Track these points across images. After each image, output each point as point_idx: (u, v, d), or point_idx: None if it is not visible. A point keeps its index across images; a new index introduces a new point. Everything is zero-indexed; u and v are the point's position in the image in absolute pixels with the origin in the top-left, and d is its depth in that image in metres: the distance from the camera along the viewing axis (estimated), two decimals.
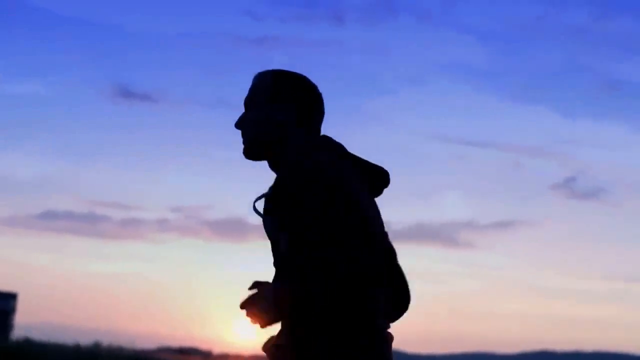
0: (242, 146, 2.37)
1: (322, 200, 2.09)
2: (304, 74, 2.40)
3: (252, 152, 2.35)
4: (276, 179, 2.24)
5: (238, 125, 2.37)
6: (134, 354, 22.61)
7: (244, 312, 2.12)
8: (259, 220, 2.24)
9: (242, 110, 2.40)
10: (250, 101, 2.38)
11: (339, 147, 2.32)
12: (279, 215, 2.15)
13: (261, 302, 2.08)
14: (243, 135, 2.36)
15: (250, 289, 2.12)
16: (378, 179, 2.33)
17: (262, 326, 2.12)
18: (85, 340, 23.03)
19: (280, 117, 2.31)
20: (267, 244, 2.26)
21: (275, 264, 2.25)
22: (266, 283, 2.13)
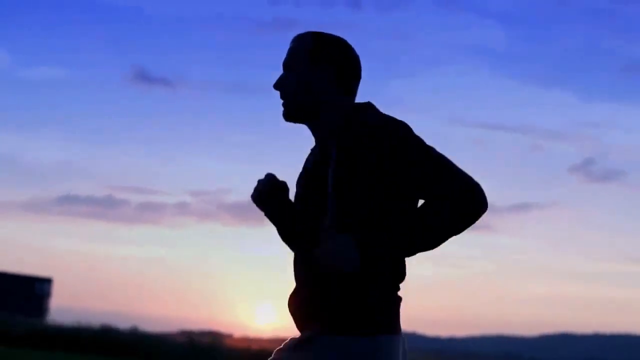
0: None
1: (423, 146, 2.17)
2: None
3: (292, 114, 2.33)
4: (335, 135, 2.26)
5: (277, 86, 2.35)
6: (159, 338, 22.44)
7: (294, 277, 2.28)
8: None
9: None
10: (289, 63, 2.34)
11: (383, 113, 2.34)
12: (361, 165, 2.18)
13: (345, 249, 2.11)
14: (282, 97, 2.34)
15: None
16: None
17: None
18: (104, 322, 22.87)
19: (321, 80, 2.29)
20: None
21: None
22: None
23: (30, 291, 34.75)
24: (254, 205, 2.39)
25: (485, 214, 2.16)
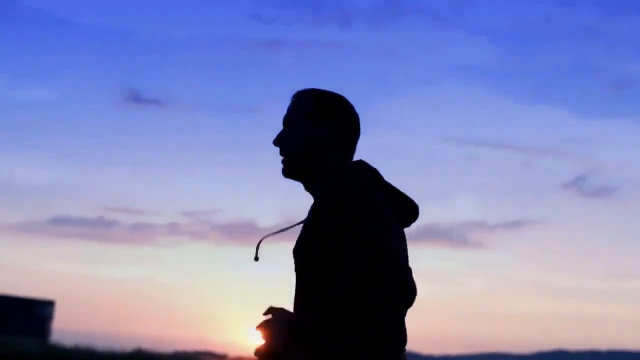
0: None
1: (359, 222, 2.07)
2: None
3: (292, 171, 2.31)
4: (317, 198, 2.23)
5: (277, 142, 2.33)
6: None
7: (259, 333, 2.13)
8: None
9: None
10: (290, 119, 2.32)
11: (375, 173, 2.29)
12: (316, 235, 2.13)
13: (275, 329, 2.08)
14: (282, 154, 2.32)
15: (265, 314, 2.12)
16: (409, 211, 2.30)
17: (267, 354, 2.08)
18: (98, 344, 23.30)
19: (322, 139, 2.28)
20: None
21: (298, 288, 2.19)
22: (281, 310, 2.12)
23: (32, 314, 34.76)
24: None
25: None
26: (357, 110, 2.37)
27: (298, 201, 2.35)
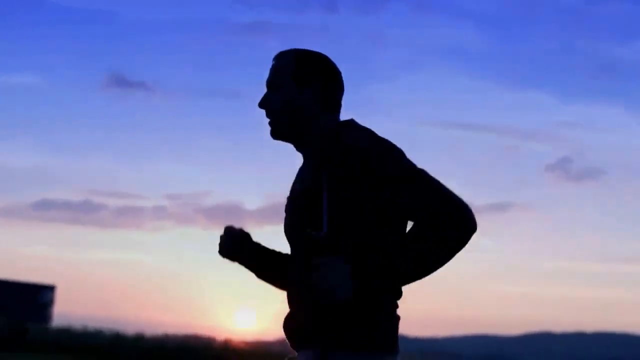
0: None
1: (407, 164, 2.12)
2: None
3: (279, 132, 2.30)
4: (317, 152, 2.23)
5: (262, 105, 2.31)
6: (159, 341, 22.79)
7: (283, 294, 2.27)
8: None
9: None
10: (273, 82, 2.31)
11: (367, 128, 2.26)
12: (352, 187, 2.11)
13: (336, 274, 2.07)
14: (268, 116, 2.31)
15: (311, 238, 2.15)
16: None
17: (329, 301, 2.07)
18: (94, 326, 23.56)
19: (306, 98, 2.27)
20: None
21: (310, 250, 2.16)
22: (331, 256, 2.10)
23: (34, 299, 34.99)
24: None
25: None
26: (343, 95, 2.34)
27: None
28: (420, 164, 2.15)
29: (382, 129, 2.23)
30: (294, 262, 2.27)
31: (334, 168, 2.16)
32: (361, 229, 2.14)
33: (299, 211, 2.25)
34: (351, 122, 2.29)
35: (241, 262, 2.41)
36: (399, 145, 2.17)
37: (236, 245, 2.38)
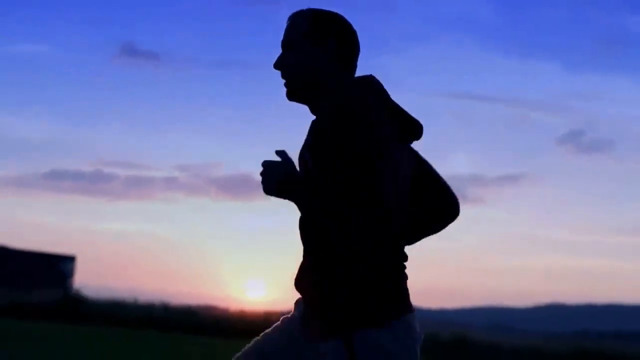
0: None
1: (360, 135, 2.03)
2: None
3: (295, 93, 2.26)
4: (322, 116, 2.17)
5: (277, 66, 2.28)
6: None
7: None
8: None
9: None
10: (287, 42, 2.28)
11: (380, 89, 2.24)
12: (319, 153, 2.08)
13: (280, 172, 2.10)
14: (284, 77, 2.27)
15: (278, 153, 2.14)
16: (412, 129, 2.25)
17: (266, 191, 2.11)
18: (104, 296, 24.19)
19: (321, 58, 2.23)
20: (275, 201, 2.18)
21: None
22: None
23: (54, 270, 35.24)
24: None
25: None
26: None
27: (295, 155, 2.24)
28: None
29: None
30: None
31: (319, 125, 2.15)
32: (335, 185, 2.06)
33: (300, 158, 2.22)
34: (368, 79, 2.25)
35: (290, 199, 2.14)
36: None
37: (281, 185, 2.12)
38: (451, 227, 2.44)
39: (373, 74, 2.27)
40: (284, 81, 2.29)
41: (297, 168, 2.18)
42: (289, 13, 2.33)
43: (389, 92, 2.23)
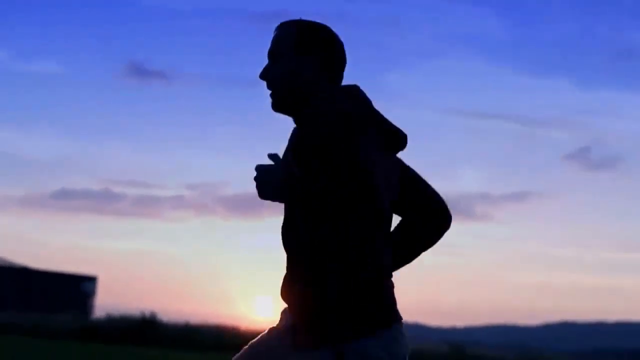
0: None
1: (334, 146, 2.02)
2: None
3: (280, 104, 2.23)
4: (299, 129, 2.17)
5: (263, 76, 2.25)
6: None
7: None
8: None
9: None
10: (274, 52, 2.25)
11: (364, 100, 2.21)
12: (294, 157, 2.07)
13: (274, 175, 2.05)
14: (269, 87, 2.25)
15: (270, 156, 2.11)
16: (395, 139, 2.23)
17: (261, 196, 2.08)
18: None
19: (307, 69, 2.21)
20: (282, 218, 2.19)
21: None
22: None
23: (76, 290, 35.94)
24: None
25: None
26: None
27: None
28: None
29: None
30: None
31: (295, 136, 2.14)
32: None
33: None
34: (341, 91, 2.22)
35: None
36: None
37: (278, 190, 2.09)
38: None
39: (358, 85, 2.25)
40: (269, 92, 2.27)
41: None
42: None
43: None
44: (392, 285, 2.17)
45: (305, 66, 2.23)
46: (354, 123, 2.09)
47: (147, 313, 22.31)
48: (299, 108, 2.22)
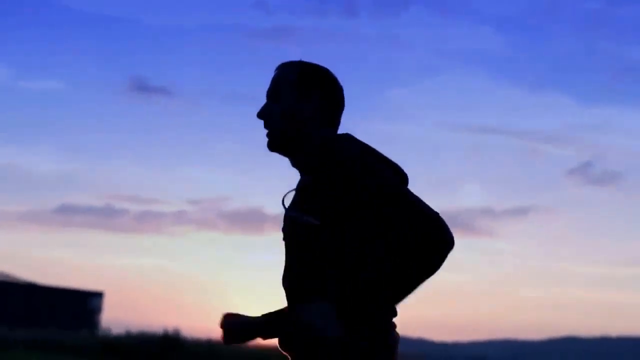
0: (262, 137, 2.29)
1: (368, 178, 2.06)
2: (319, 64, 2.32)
3: (276, 144, 2.23)
4: (308, 171, 2.19)
5: (261, 115, 2.24)
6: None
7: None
8: (277, 210, 2.25)
9: (257, 101, 2.31)
10: (274, 92, 2.24)
11: (363, 143, 2.22)
12: (322, 204, 2.08)
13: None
14: (266, 127, 2.23)
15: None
16: (403, 175, 2.24)
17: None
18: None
19: (307, 111, 2.20)
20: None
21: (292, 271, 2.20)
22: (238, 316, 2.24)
23: (82, 306, 35.70)
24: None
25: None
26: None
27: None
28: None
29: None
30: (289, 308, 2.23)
31: (322, 181, 2.12)
32: (346, 248, 2.09)
33: (290, 231, 2.22)
34: (346, 136, 2.22)
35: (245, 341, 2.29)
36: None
37: (235, 336, 2.24)
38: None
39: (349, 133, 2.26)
40: (266, 131, 2.26)
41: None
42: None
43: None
44: (396, 337, 2.18)
45: (304, 108, 2.22)
46: (370, 157, 2.15)
47: (170, 330, 22.35)
48: (296, 150, 2.23)
